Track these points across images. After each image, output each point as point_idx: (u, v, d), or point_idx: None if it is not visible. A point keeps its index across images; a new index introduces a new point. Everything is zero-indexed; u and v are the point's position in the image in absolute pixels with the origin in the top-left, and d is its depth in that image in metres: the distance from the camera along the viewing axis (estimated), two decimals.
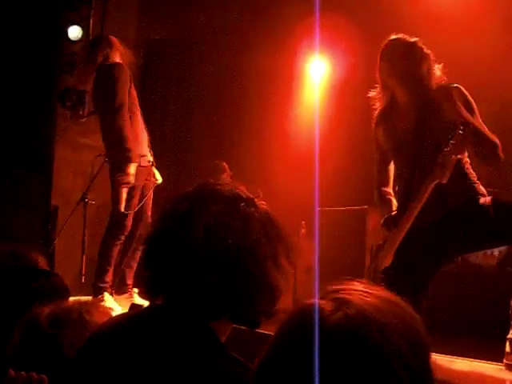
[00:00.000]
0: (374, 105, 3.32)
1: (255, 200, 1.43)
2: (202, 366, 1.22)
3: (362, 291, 0.90)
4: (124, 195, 4.24)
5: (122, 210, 4.23)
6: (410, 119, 3.13)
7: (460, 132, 2.75)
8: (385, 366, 0.81)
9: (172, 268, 1.34)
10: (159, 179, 4.59)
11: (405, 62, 3.11)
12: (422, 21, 5.35)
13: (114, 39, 4.56)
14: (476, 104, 3.11)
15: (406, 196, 3.11)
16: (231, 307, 1.33)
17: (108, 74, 4.37)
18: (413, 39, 3.17)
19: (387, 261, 3.02)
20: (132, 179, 4.21)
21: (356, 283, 0.93)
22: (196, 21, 7.14)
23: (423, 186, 2.90)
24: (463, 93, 3.08)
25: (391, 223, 3.10)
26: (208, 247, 1.30)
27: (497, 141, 2.97)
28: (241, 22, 7.00)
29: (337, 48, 6.68)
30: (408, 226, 2.96)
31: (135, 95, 4.48)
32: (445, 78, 3.16)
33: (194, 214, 1.34)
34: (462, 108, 2.99)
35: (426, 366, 0.88)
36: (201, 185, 1.45)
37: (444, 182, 2.84)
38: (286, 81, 7.30)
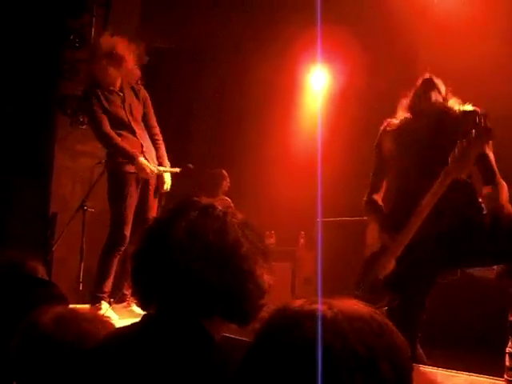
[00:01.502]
0: (382, 107, 3.37)
1: (231, 210, 1.50)
2: (195, 364, 1.27)
3: (351, 304, 0.92)
4: (133, 195, 4.27)
5: (127, 208, 4.24)
6: (426, 137, 3.15)
7: (478, 124, 2.73)
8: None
9: (159, 275, 1.40)
10: (167, 186, 4.51)
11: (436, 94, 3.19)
12: (422, 31, 5.37)
13: (120, 48, 4.49)
14: None
15: (409, 196, 3.07)
16: (220, 303, 1.38)
17: (89, 87, 4.43)
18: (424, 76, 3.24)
19: (388, 268, 3.00)
20: (147, 173, 4.25)
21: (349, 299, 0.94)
22: (197, 30, 7.16)
23: (437, 181, 2.85)
24: (480, 118, 3.00)
25: (391, 226, 3.06)
26: (190, 248, 1.36)
27: (497, 176, 2.98)
28: (242, 32, 7.02)
29: (338, 58, 6.69)
30: (415, 229, 2.92)
31: (136, 107, 4.46)
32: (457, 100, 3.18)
33: (173, 221, 1.41)
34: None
35: None
36: (180, 199, 1.54)
37: (463, 177, 2.80)
38: (288, 90, 7.31)
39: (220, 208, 1.47)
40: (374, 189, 3.34)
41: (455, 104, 3.16)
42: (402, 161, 3.24)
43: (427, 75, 3.25)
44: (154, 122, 4.58)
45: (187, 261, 1.35)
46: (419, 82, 3.26)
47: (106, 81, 4.33)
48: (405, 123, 3.27)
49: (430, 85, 3.21)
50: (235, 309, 1.41)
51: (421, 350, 2.91)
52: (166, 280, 1.38)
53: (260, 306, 1.44)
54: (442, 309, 4.26)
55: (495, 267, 5.09)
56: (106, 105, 4.31)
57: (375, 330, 0.87)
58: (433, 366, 2.67)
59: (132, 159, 4.25)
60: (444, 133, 3.08)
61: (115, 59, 4.29)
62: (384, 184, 3.34)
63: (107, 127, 4.27)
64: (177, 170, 4.56)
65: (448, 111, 3.14)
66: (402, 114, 3.31)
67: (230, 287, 1.36)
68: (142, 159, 4.26)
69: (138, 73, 4.51)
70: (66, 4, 6.48)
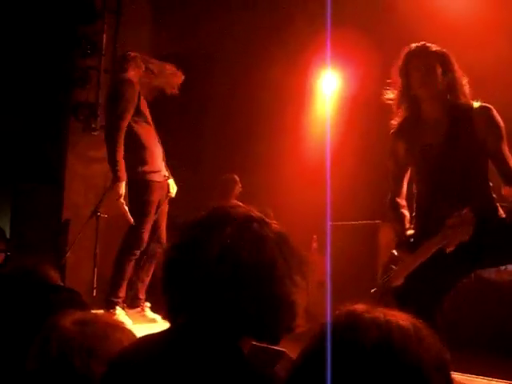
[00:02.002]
0: (391, 110, 3.16)
1: (267, 220, 1.44)
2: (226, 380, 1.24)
3: (382, 312, 0.91)
4: (155, 201, 4.30)
5: (149, 214, 4.28)
6: (439, 135, 2.99)
7: (460, 217, 2.67)
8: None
9: (189, 290, 1.35)
10: (173, 192, 4.56)
11: (441, 73, 2.97)
12: (434, 34, 5.35)
13: (133, 55, 4.56)
14: None
15: (425, 216, 3.01)
16: (252, 325, 1.34)
17: (113, 90, 4.46)
18: (448, 52, 3.03)
19: (398, 281, 2.95)
20: (116, 198, 4.26)
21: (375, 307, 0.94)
22: (207, 36, 7.18)
23: (429, 243, 2.79)
24: (495, 115, 2.96)
25: (405, 248, 2.96)
26: (224, 268, 1.31)
27: None
28: (253, 36, 7.03)
29: (348, 62, 6.69)
30: (423, 259, 2.85)
31: (146, 110, 4.49)
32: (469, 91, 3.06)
33: (208, 237, 1.35)
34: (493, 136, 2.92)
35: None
36: (213, 209, 1.46)
37: (466, 239, 2.71)
38: (298, 94, 7.31)
39: (257, 220, 1.41)
40: (395, 193, 3.17)
41: (465, 99, 3.00)
42: (414, 170, 3.14)
43: None
44: None
45: (220, 287, 1.31)
46: None
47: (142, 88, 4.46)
48: (408, 122, 3.11)
49: None
50: (265, 332, 1.37)
51: None
52: (197, 299, 1.34)
53: (293, 326, 1.40)
54: (458, 312, 4.23)
55: (510, 269, 5.07)
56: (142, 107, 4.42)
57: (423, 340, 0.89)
58: (452, 370, 2.66)
59: (116, 178, 4.25)
60: (456, 136, 2.99)
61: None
62: (404, 186, 3.21)
63: (122, 135, 4.30)
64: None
65: (458, 108, 3.00)
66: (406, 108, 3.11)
67: (262, 314, 1.33)
68: (122, 185, 4.27)
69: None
70: (77, 11, 6.53)
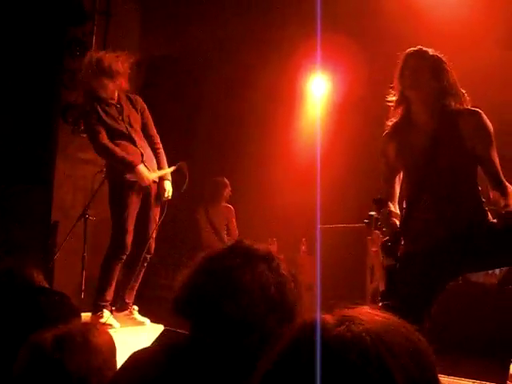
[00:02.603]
0: (388, 114, 3.17)
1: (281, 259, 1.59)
2: None
3: (367, 311, 0.92)
4: (134, 203, 4.28)
5: (128, 216, 4.25)
6: (427, 138, 3.00)
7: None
8: (390, 381, 0.82)
9: (218, 316, 1.42)
10: (168, 194, 4.51)
11: (432, 76, 2.99)
12: (423, 39, 5.38)
13: (108, 62, 4.46)
14: None
15: (410, 218, 3.02)
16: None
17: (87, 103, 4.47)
18: (442, 55, 3.05)
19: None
20: (146, 181, 4.27)
21: (362, 306, 0.95)
22: (198, 38, 7.17)
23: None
24: (484, 120, 2.96)
25: (387, 252, 2.94)
26: (256, 299, 1.42)
27: (504, 182, 2.92)
28: (245, 39, 7.04)
29: (338, 66, 6.71)
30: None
31: (135, 118, 4.48)
32: (467, 98, 3.07)
33: (243, 269, 1.46)
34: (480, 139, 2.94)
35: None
36: (237, 242, 1.59)
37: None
38: (288, 97, 7.33)
39: (278, 259, 1.56)
40: (387, 196, 3.15)
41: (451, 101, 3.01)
42: (404, 173, 3.16)
43: None
44: (153, 131, 4.59)
45: (249, 309, 1.40)
46: None
47: (103, 95, 4.36)
48: (400, 125, 3.12)
49: None
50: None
51: None
52: (222, 323, 1.41)
53: None
54: (445, 315, 4.25)
55: (497, 273, 5.10)
56: (104, 117, 4.33)
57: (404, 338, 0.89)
58: (440, 373, 2.67)
59: (131, 167, 4.25)
60: (443, 138, 3.00)
61: (110, 73, 4.32)
62: (396, 188, 3.21)
63: (104, 139, 4.28)
64: (171, 169, 4.56)
65: (446, 111, 3.00)
66: (399, 112, 3.14)
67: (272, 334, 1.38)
68: (141, 167, 4.27)
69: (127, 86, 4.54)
70: (67, 12, 6.50)
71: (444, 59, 3.05)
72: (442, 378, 3.05)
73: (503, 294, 5.05)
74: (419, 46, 3.09)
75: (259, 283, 1.43)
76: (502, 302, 4.99)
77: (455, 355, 3.99)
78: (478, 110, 2.99)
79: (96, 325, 1.78)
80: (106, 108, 4.35)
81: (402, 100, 3.09)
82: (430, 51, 3.06)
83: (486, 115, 2.99)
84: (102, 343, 1.54)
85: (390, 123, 3.18)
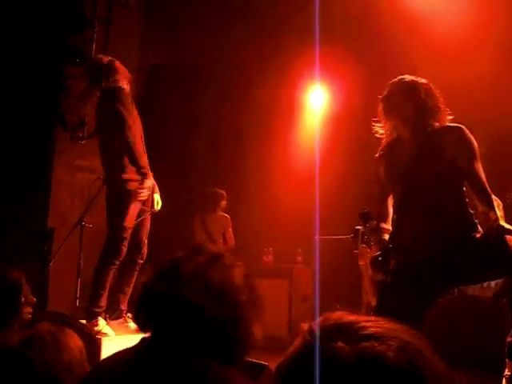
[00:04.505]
0: (380, 137, 3.29)
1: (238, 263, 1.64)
2: None
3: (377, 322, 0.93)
4: (134, 211, 4.30)
5: (128, 224, 4.26)
6: (410, 156, 3.08)
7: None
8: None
9: (163, 305, 1.50)
10: (157, 206, 4.56)
11: (406, 97, 3.09)
12: (420, 50, 5.42)
13: (119, 64, 4.59)
14: (474, 136, 3.09)
15: (398, 231, 3.06)
16: (212, 342, 1.49)
17: (113, 96, 4.43)
18: (418, 78, 3.16)
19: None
20: (146, 195, 4.30)
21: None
22: (197, 47, 7.20)
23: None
24: (465, 134, 3.02)
25: (379, 267, 3.00)
26: (196, 285, 1.49)
27: (490, 195, 2.96)
28: (242, 49, 7.07)
29: (336, 76, 6.74)
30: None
31: (137, 120, 4.51)
32: (449, 116, 3.13)
33: (184, 263, 1.55)
34: (462, 153, 2.98)
35: None
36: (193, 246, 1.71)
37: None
38: (287, 108, 7.36)
39: (227, 256, 1.62)
40: (380, 217, 3.24)
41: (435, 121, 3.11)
42: (392, 188, 3.23)
43: None
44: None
45: (191, 295, 1.46)
46: None
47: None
48: (390, 145, 3.24)
49: None
50: (224, 349, 1.50)
51: None
52: (170, 310, 1.48)
53: (245, 353, 1.57)
54: (439, 327, 4.25)
55: (493, 286, 5.11)
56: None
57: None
58: None
59: (145, 176, 4.32)
60: (426, 153, 3.06)
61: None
62: (389, 209, 3.27)
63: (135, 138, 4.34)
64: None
65: (428, 129, 3.09)
66: (389, 135, 3.26)
67: (224, 327, 1.47)
68: (148, 182, 4.34)
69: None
70: (67, 19, 6.53)
71: (422, 81, 3.15)
72: None
73: (498, 307, 5.05)
74: (399, 77, 3.20)
75: (200, 275, 1.49)
76: (497, 315, 4.99)
77: (448, 367, 3.98)
78: (459, 125, 3.04)
79: (73, 327, 1.83)
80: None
81: (388, 127, 3.21)
82: (407, 78, 3.18)
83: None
84: (70, 342, 1.59)
85: (380, 148, 3.28)
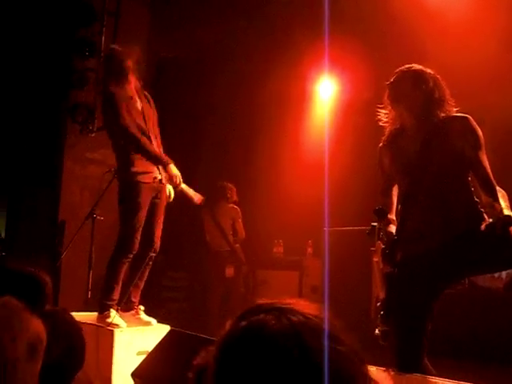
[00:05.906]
0: (384, 125, 3.26)
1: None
2: None
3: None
4: (146, 204, 4.29)
5: (140, 217, 4.25)
6: (417, 144, 3.07)
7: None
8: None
9: None
10: (170, 199, 4.53)
11: (413, 86, 3.08)
12: (431, 41, 5.38)
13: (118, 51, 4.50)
14: (481, 126, 3.08)
15: (402, 224, 3.05)
16: None
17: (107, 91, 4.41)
18: (426, 68, 3.14)
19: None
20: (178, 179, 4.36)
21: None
22: (207, 40, 7.20)
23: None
24: (471, 124, 3.01)
25: (386, 259, 2.99)
26: None
27: (494, 186, 2.95)
28: (252, 42, 7.05)
29: (345, 68, 6.72)
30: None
31: (140, 110, 4.47)
32: (454, 108, 3.12)
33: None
34: (468, 143, 2.97)
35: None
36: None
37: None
38: (296, 100, 7.34)
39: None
40: (386, 208, 3.18)
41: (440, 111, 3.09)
42: (398, 178, 3.23)
43: None
44: (158, 130, 4.59)
45: None
46: None
47: (128, 89, 4.38)
48: (394, 134, 3.22)
49: None
50: None
51: (427, 361, 2.90)
52: None
53: None
54: (449, 319, 4.25)
55: (504, 277, 5.09)
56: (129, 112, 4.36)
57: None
58: (440, 377, 2.67)
59: (165, 164, 4.30)
60: (432, 142, 3.05)
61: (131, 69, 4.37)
62: (393, 199, 3.27)
63: (139, 133, 4.30)
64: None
65: (434, 119, 3.07)
66: (392, 124, 3.24)
67: None
68: (172, 165, 4.32)
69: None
70: (76, 13, 6.54)
71: (429, 71, 3.13)
72: (444, 381, 3.05)
73: (509, 298, 5.04)
74: (406, 65, 3.18)
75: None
76: (508, 306, 4.98)
77: (457, 358, 3.99)
78: (465, 115, 3.03)
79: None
80: (129, 102, 4.36)
81: (393, 115, 3.18)
82: (415, 66, 3.15)
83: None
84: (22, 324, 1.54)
85: (385, 133, 3.25)
